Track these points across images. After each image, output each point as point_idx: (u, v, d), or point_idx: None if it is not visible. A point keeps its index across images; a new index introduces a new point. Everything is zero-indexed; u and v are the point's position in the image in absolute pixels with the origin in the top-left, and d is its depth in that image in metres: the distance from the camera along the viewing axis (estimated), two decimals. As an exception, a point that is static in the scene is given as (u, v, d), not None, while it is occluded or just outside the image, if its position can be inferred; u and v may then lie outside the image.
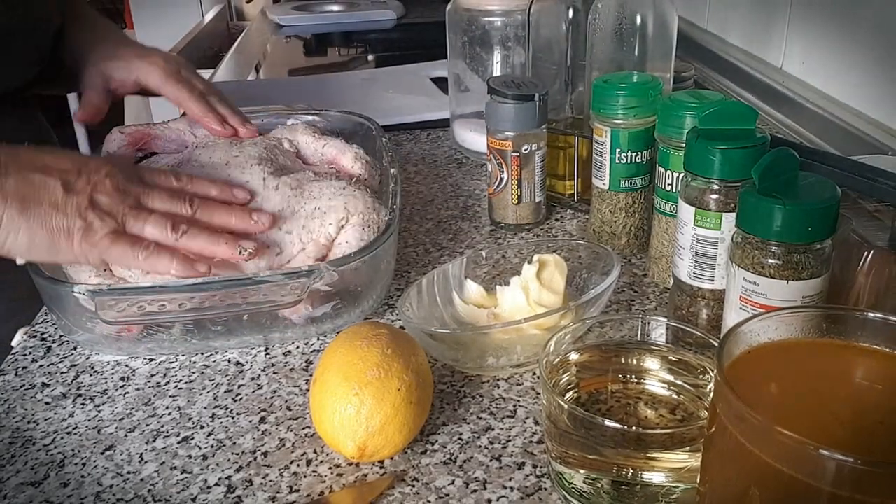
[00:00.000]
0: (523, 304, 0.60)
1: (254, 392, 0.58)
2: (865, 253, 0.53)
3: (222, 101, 0.77)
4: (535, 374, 0.59)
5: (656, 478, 0.44)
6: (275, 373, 0.60)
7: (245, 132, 0.74)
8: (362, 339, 0.51)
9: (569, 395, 0.50)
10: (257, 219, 0.61)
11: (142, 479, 0.51)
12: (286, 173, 0.68)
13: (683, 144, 0.59)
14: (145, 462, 0.52)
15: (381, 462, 0.51)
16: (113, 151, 0.75)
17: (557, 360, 0.51)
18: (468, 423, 0.54)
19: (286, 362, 0.62)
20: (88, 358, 0.63)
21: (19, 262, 0.57)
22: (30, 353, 0.64)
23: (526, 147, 0.77)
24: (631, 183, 0.72)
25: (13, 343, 0.67)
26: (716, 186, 0.56)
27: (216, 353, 0.63)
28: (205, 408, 0.57)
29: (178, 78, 0.75)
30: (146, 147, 0.77)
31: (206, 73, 1.63)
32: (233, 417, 0.56)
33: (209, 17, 2.27)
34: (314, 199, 0.65)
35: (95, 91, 0.76)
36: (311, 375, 0.59)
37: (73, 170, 0.57)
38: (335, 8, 1.88)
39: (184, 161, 0.72)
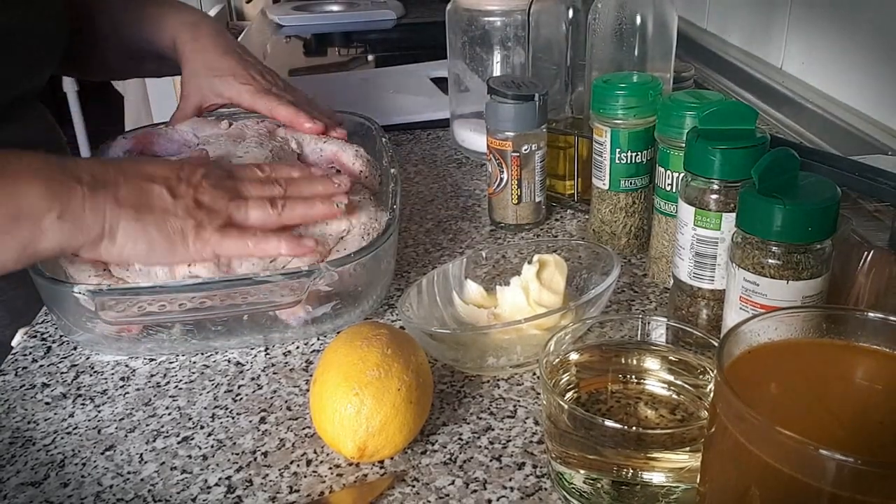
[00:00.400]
0: (523, 304, 0.60)
1: (254, 392, 0.58)
2: (865, 253, 0.53)
3: (312, 106, 0.81)
4: (535, 374, 0.59)
5: (656, 478, 0.44)
6: (275, 373, 0.60)
7: (336, 134, 0.77)
8: (362, 340, 0.51)
9: (569, 395, 0.50)
10: (339, 181, 0.65)
11: (142, 479, 0.51)
12: None
13: (683, 144, 0.59)
14: (145, 462, 0.52)
15: (381, 462, 0.51)
16: (119, 154, 0.76)
17: (557, 360, 0.51)
18: (468, 424, 0.54)
19: (286, 362, 0.62)
20: (88, 358, 0.63)
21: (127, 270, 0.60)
22: (30, 354, 0.64)
23: (526, 147, 0.77)
24: (631, 183, 0.72)
25: (13, 343, 0.67)
26: (716, 186, 0.56)
27: (216, 353, 0.63)
28: (205, 408, 0.57)
29: (268, 93, 0.78)
30: (149, 149, 0.77)
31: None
32: (233, 417, 0.56)
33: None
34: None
35: (189, 109, 0.80)
36: (310, 375, 0.59)
37: (173, 175, 0.59)
38: (335, 8, 1.88)
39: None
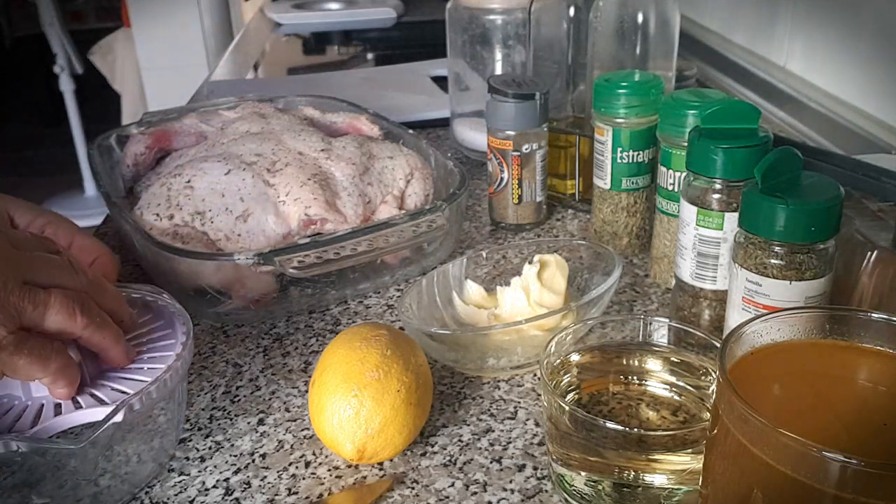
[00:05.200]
0: (524, 304, 0.60)
1: (252, 393, 0.58)
2: (869, 253, 0.52)
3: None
4: (535, 375, 0.59)
5: (658, 480, 0.44)
6: (273, 374, 0.60)
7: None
8: (361, 341, 0.50)
9: (570, 396, 0.50)
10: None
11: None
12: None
13: (685, 144, 0.59)
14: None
15: (381, 464, 0.51)
16: (139, 153, 0.76)
17: (558, 361, 0.50)
18: (468, 425, 0.54)
19: (284, 363, 0.61)
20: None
21: None
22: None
23: (527, 146, 0.76)
24: (632, 182, 0.71)
25: None
26: (718, 186, 0.55)
27: (213, 354, 0.63)
28: (203, 409, 0.57)
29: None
30: (167, 146, 0.78)
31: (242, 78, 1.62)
32: (231, 419, 0.56)
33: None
34: (379, 159, 0.72)
35: None
36: (309, 377, 0.59)
37: None
38: (334, 6, 1.88)
39: (215, 142, 0.74)
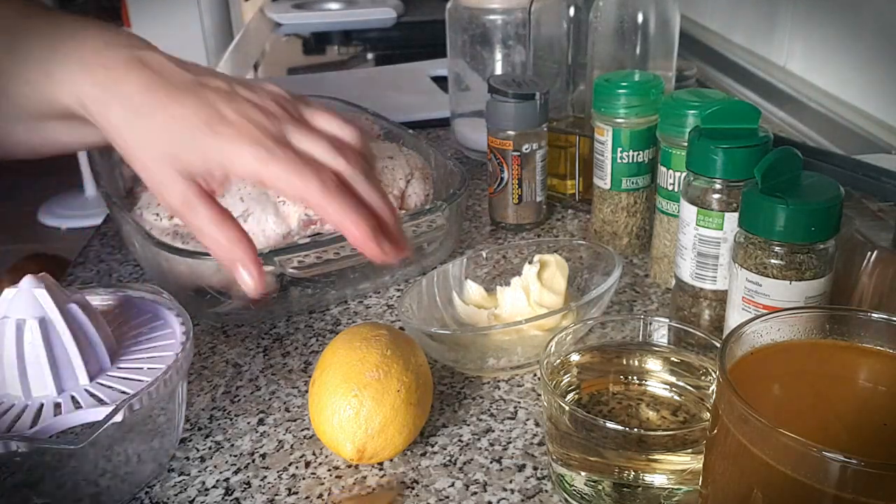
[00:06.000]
0: (524, 304, 0.60)
1: (252, 393, 0.58)
2: (869, 253, 0.52)
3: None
4: (535, 375, 0.59)
5: (658, 480, 0.44)
6: (273, 374, 0.60)
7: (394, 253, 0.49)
8: (361, 341, 0.50)
9: (570, 396, 0.50)
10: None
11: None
12: None
13: (685, 144, 0.59)
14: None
15: (381, 464, 0.51)
16: None
17: (558, 361, 0.50)
18: (468, 425, 0.54)
19: (284, 363, 0.61)
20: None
21: None
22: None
23: (527, 146, 0.76)
24: (632, 182, 0.71)
25: None
26: (718, 186, 0.55)
27: (213, 354, 0.63)
28: (203, 409, 0.57)
29: (286, 149, 0.48)
30: None
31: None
32: (231, 419, 0.56)
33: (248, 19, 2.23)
34: (379, 159, 0.71)
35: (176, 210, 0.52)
36: (309, 377, 0.59)
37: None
38: (334, 6, 1.88)
39: None
